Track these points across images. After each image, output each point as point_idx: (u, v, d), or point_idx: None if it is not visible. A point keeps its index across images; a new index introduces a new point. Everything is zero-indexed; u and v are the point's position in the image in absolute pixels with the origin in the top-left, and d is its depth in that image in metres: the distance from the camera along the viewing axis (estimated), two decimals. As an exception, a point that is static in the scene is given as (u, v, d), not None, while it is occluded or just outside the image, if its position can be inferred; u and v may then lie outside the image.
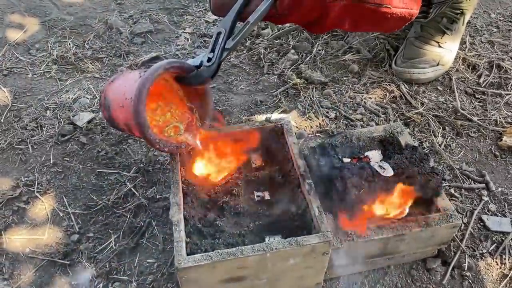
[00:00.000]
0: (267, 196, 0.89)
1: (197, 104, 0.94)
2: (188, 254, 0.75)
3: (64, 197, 1.06)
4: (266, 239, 0.82)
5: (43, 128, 1.22)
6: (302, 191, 0.87)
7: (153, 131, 0.82)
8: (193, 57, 1.51)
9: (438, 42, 1.34)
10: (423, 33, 1.35)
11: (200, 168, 0.95)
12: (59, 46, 1.49)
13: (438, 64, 1.33)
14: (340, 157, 0.96)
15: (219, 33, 0.86)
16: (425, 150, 1.15)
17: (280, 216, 0.86)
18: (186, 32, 1.56)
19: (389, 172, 0.92)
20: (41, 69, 1.41)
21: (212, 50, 0.86)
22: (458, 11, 1.33)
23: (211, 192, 0.90)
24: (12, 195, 1.06)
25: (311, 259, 0.79)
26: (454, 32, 1.35)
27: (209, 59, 0.85)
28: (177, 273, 0.74)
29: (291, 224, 0.84)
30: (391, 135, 1.02)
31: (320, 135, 1.18)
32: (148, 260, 0.95)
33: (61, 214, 1.03)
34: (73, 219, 1.02)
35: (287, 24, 1.50)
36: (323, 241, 0.76)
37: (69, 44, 1.49)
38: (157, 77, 0.81)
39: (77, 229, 1.00)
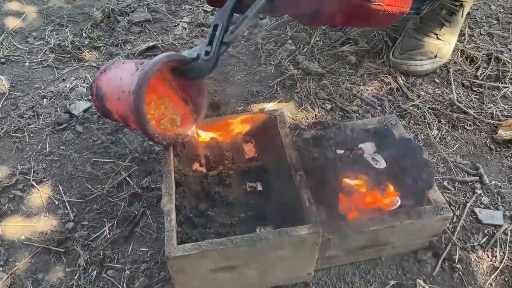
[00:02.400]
0: (259, 187, 0.90)
1: (192, 95, 0.94)
2: (179, 243, 0.76)
3: (59, 186, 1.07)
4: (257, 230, 0.82)
5: (40, 117, 1.23)
6: (293, 182, 0.87)
7: (152, 126, 0.83)
8: (191, 47, 1.51)
9: (436, 34, 1.33)
10: (422, 24, 1.34)
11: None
12: (56, 35, 1.48)
13: (436, 56, 1.32)
14: (334, 149, 0.97)
15: (216, 26, 0.85)
16: (419, 142, 1.15)
17: (271, 206, 0.86)
18: (184, 22, 1.55)
19: (381, 164, 0.92)
20: (39, 57, 1.41)
21: (210, 43, 0.84)
22: (458, 3, 1.32)
23: (204, 182, 0.90)
24: (8, 183, 1.07)
25: (301, 250, 0.79)
26: (453, 24, 1.34)
27: (207, 53, 0.84)
28: (167, 262, 0.75)
29: (282, 215, 0.85)
30: (386, 127, 1.02)
31: (314, 126, 1.18)
32: (141, 249, 0.96)
33: (56, 202, 1.04)
34: (68, 207, 1.03)
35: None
36: (313, 232, 0.77)
37: (67, 32, 1.49)
38: (157, 71, 0.80)
39: (72, 217, 1.01)
